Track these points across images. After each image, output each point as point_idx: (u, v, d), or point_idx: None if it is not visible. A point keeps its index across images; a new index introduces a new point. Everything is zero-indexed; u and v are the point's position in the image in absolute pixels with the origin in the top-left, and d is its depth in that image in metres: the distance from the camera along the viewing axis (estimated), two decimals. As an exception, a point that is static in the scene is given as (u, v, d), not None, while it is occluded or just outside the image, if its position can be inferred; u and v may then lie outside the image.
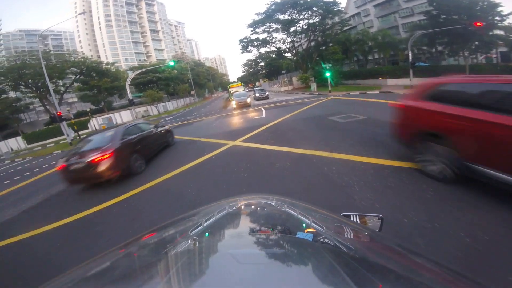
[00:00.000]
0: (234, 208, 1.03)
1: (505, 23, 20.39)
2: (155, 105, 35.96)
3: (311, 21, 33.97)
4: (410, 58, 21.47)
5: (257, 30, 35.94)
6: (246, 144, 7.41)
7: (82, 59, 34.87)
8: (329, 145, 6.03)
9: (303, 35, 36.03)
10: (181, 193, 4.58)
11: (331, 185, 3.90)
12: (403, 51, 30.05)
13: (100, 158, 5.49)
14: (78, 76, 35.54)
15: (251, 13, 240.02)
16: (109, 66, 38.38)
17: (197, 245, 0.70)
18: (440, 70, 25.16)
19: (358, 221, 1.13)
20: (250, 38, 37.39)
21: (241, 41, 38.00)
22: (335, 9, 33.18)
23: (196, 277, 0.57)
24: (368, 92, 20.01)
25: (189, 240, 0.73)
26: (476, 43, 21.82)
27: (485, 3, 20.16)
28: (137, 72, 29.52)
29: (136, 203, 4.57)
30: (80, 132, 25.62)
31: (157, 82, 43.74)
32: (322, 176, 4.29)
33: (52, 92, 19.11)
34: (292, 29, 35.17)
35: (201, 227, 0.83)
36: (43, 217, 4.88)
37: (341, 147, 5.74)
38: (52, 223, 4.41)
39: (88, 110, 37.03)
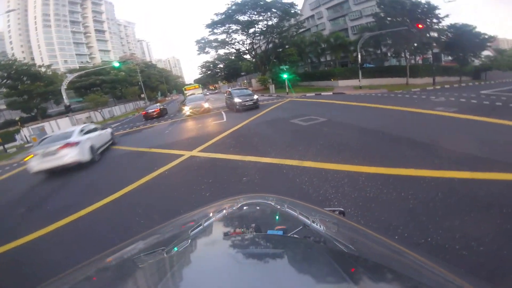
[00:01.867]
0: (234, 208, 1.03)
1: (440, 25, 22.54)
2: (99, 111, 32.05)
3: (270, 23, 33.95)
4: (359, 59, 22.77)
5: (215, 31, 34.59)
6: (206, 155, 6.57)
7: (10, 62, 29.48)
8: (297, 151, 5.61)
9: (262, 37, 35.78)
10: (129, 224, 3.60)
11: (308, 201, 3.39)
12: (352, 53, 31.92)
13: (156, 110, 20.83)
14: (5, 81, 29.90)
15: (207, 14, 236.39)
16: (43, 69, 33.01)
17: (197, 245, 0.70)
18: (384, 71, 27.32)
19: None
20: (208, 39, 35.87)
21: (198, 42, 36.25)
22: (292, 11, 33.55)
23: (196, 277, 0.57)
24: (322, 93, 20.73)
25: (189, 240, 0.73)
26: (415, 44, 23.58)
27: (426, 6, 21.78)
28: (76, 74, 25.73)
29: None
30: (9, 145, 21.34)
31: (101, 85, 39.01)
32: (296, 189, 3.79)
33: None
34: (251, 30, 34.66)
35: (201, 227, 0.82)
36: None
37: (309, 153, 5.36)
38: None
39: (17, 118, 31.02)
